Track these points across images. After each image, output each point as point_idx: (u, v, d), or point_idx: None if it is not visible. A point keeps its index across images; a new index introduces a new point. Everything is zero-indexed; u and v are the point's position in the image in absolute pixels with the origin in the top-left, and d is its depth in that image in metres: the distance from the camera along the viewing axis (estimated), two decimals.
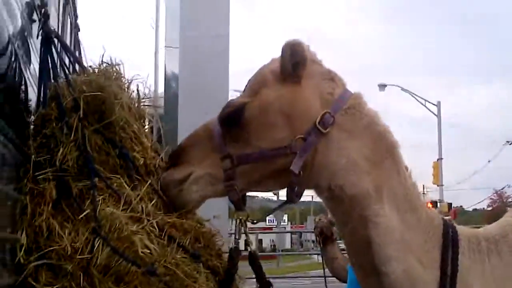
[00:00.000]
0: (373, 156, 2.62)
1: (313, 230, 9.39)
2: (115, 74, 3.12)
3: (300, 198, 2.74)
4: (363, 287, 2.81)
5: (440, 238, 2.71)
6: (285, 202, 2.81)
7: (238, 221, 2.72)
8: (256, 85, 2.73)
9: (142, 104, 3.29)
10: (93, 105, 2.92)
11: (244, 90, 2.79)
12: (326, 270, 10.26)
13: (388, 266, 2.58)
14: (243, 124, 2.62)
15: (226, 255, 2.88)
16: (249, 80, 2.78)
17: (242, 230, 2.76)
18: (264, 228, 53.50)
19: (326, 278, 10.47)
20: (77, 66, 3.49)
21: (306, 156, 2.56)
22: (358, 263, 2.74)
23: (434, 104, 37.65)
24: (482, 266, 2.72)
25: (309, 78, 2.67)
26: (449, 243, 2.69)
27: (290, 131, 2.59)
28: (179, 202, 2.75)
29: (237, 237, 2.72)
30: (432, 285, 2.63)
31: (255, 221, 2.84)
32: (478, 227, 3.20)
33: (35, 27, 3.40)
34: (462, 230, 2.81)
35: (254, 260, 2.77)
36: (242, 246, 2.83)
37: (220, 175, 2.65)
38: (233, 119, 2.65)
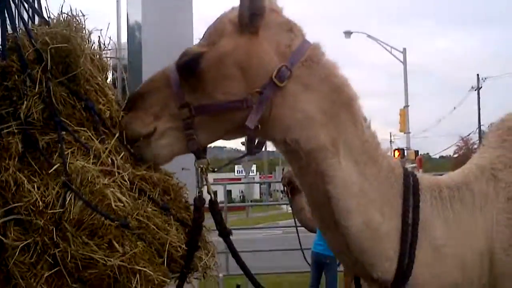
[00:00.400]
0: (329, 109, 2.60)
1: (281, 180, 9.48)
2: (77, 25, 3.02)
3: (260, 150, 2.74)
4: (326, 240, 2.83)
5: (401, 187, 2.72)
6: (244, 155, 2.81)
7: (199, 170, 2.69)
8: (214, 34, 2.67)
9: (104, 55, 3.20)
10: (57, 57, 2.84)
11: (203, 37, 2.73)
12: (288, 220, 10.42)
13: (347, 220, 2.59)
14: (199, 74, 2.57)
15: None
16: (208, 27, 2.72)
17: (204, 180, 2.73)
18: (233, 179, 53.82)
19: (297, 228, 10.65)
20: (36, 17, 3.37)
21: (262, 110, 2.53)
22: (318, 217, 2.76)
23: (400, 51, 37.82)
24: (445, 214, 2.75)
25: (267, 28, 2.62)
26: (410, 192, 2.70)
27: (246, 84, 2.55)
28: (149, 156, 2.70)
29: (199, 186, 2.70)
30: (393, 234, 2.66)
31: (215, 169, 2.81)
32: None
33: None
34: (424, 178, 2.82)
35: (214, 209, 2.75)
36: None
37: (180, 125, 2.62)
38: (190, 68, 2.59)
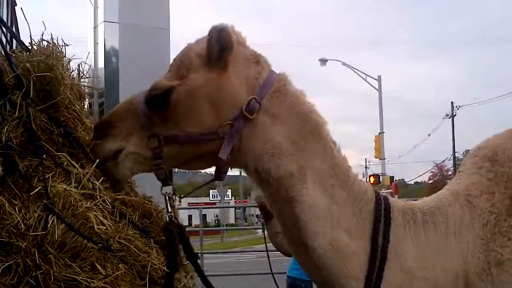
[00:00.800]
0: (296, 138, 2.64)
1: (256, 204, 9.49)
2: (58, 53, 3.08)
3: (226, 175, 2.78)
4: (299, 263, 2.87)
5: (372, 210, 2.76)
6: (212, 180, 2.83)
7: (166, 197, 2.73)
8: (182, 67, 2.70)
9: (82, 83, 3.27)
10: (39, 84, 2.89)
11: (169, 69, 2.76)
12: (270, 244, 10.43)
13: (314, 241, 2.63)
14: (170, 107, 2.58)
15: None
16: (175, 59, 2.75)
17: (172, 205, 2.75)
18: (208, 203, 53.54)
19: (271, 252, 10.66)
20: (15, 43, 3.42)
21: (233, 141, 2.59)
22: (289, 239, 2.80)
23: (375, 79, 38.15)
24: (417, 237, 2.79)
25: (235, 62, 2.64)
26: (381, 214, 2.75)
27: (217, 117, 2.57)
28: (116, 175, 2.67)
29: (169, 211, 2.74)
30: (362, 255, 2.70)
31: (182, 196, 2.84)
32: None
33: None
34: (397, 202, 2.87)
35: (181, 233, 2.79)
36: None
37: (148, 155, 2.61)
38: (160, 102, 2.61)
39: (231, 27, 2.70)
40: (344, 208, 2.71)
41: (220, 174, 2.70)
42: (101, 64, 6.74)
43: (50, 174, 2.72)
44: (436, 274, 2.78)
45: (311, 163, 2.66)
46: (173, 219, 2.68)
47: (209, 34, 2.62)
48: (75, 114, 2.96)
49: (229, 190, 66.15)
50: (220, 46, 2.58)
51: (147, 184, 3.15)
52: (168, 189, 2.69)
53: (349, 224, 2.71)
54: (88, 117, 3.04)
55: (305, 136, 2.68)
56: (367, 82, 37.61)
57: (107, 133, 2.66)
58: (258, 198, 9.01)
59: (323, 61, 38.27)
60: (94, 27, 6.91)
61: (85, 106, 3.16)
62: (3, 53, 3.16)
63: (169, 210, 2.68)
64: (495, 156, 2.97)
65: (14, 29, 4.76)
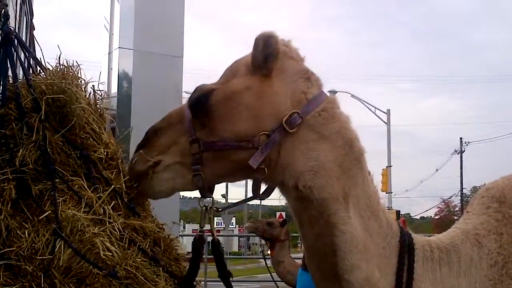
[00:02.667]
0: (342, 162, 2.62)
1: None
2: (73, 75, 3.12)
3: (268, 196, 2.72)
4: None
5: (397, 245, 2.75)
6: (250, 198, 2.78)
7: (203, 208, 2.69)
8: (228, 74, 2.70)
9: (99, 104, 3.30)
10: (54, 107, 2.93)
11: (219, 78, 2.76)
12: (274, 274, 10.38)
13: (351, 275, 2.60)
14: (208, 110, 2.58)
15: (183, 261, 2.91)
16: (226, 68, 2.77)
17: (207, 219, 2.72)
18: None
19: (271, 282, 10.60)
20: (34, 65, 3.46)
21: (267, 152, 2.52)
22: (317, 267, 2.75)
23: (384, 112, 38.23)
24: (434, 275, 2.79)
25: (282, 73, 2.64)
26: (406, 251, 2.74)
27: (254, 125, 2.56)
28: (149, 191, 2.70)
29: (202, 225, 2.69)
30: None
31: (219, 209, 2.79)
32: (427, 236, 3.27)
33: None
34: (417, 238, 2.87)
35: (217, 248, 2.76)
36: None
37: (189, 162, 2.60)
38: (200, 104, 2.59)
39: (287, 41, 2.71)
40: (376, 241, 2.69)
41: (256, 191, 2.67)
42: (114, 89, 6.80)
43: (62, 198, 2.74)
44: None
45: (354, 191, 2.64)
46: (211, 234, 2.66)
47: (255, 40, 2.62)
48: (93, 133, 2.98)
49: (234, 218, 65.88)
50: (265, 53, 2.59)
51: (158, 212, 3.17)
52: (208, 201, 2.67)
53: (380, 258, 2.70)
54: (106, 134, 3.06)
55: (350, 162, 2.65)
56: (376, 115, 37.70)
57: (150, 143, 2.68)
58: (248, 228, 9.02)
59: (333, 93, 38.28)
60: (108, 53, 6.98)
61: (104, 124, 3.18)
62: (21, 76, 3.22)
63: (202, 224, 2.66)
64: (503, 197, 2.98)
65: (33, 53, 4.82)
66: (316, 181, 2.56)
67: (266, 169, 2.55)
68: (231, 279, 2.87)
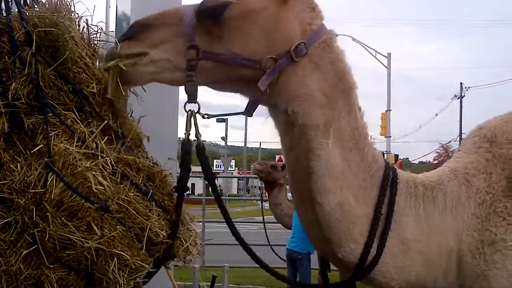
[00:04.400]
0: (330, 92, 2.68)
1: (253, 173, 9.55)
2: (66, 9, 3.06)
3: (254, 111, 2.78)
4: (299, 213, 2.91)
5: (380, 178, 2.81)
6: (241, 113, 2.84)
7: (189, 113, 2.69)
8: None
9: (93, 38, 3.26)
10: (47, 40, 2.88)
11: None
12: (267, 216, 10.50)
13: (323, 197, 2.67)
14: (221, 22, 2.57)
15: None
16: None
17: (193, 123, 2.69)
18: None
19: (273, 223, 10.71)
20: None
21: (273, 77, 2.58)
22: (297, 190, 2.83)
23: (384, 56, 37.99)
24: (417, 211, 2.84)
25: (295, 1, 2.67)
26: (387, 183, 2.80)
27: (264, 46, 2.59)
28: (128, 77, 2.60)
29: (188, 129, 2.70)
30: (364, 220, 2.75)
31: (205, 116, 2.77)
32: None
33: None
34: (403, 174, 2.92)
35: (201, 153, 2.76)
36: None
37: (181, 64, 2.59)
38: (213, 14, 2.57)
39: None
40: (355, 172, 2.76)
41: (251, 107, 2.72)
42: (112, 28, 6.72)
43: (55, 132, 2.73)
44: (430, 248, 2.83)
45: (337, 121, 2.70)
46: (197, 138, 2.68)
47: None
48: (85, 68, 2.94)
49: (233, 161, 66.31)
50: None
51: (153, 152, 3.16)
52: (193, 106, 2.68)
53: (358, 189, 2.76)
54: (99, 70, 3.02)
55: (337, 94, 2.73)
56: (377, 59, 37.43)
57: (139, 36, 2.60)
58: (254, 170, 9.08)
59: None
60: None
61: (97, 60, 3.14)
62: (14, 10, 3.16)
63: (188, 128, 2.66)
64: (494, 137, 3.01)
65: None
66: (302, 108, 2.66)
67: (268, 91, 2.60)
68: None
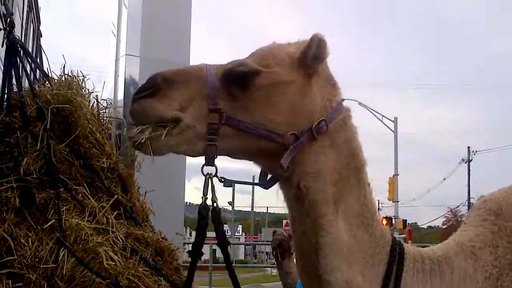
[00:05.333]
0: (343, 170, 2.67)
1: (266, 242, 9.50)
2: (78, 85, 3.14)
3: (272, 186, 2.72)
4: (304, 285, 2.87)
5: (387, 254, 2.78)
6: (259, 184, 2.78)
7: (207, 176, 2.62)
8: (270, 59, 2.65)
9: (103, 113, 3.33)
10: (59, 116, 2.95)
11: (251, 56, 2.70)
12: (275, 283, 10.39)
13: (331, 275, 2.64)
14: (249, 89, 2.50)
15: (184, 271, 2.91)
16: (261, 49, 2.72)
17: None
18: None
19: None
20: (40, 74, 3.49)
21: (294, 153, 2.60)
22: (303, 267, 2.79)
23: (391, 120, 38.16)
24: (424, 285, 2.81)
25: (318, 76, 2.65)
26: (394, 260, 2.77)
27: (288, 119, 2.55)
28: (157, 147, 2.40)
29: (205, 193, 2.62)
30: None
31: (223, 180, 2.72)
32: (432, 245, 3.29)
33: (0, 36, 3.40)
34: (409, 248, 2.89)
35: (217, 218, 2.72)
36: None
37: (203, 131, 2.45)
38: (242, 80, 2.49)
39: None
40: (364, 248, 2.73)
41: (270, 182, 2.67)
42: (120, 96, 6.82)
43: (66, 207, 2.76)
44: None
45: (346, 198, 2.68)
46: (213, 202, 2.63)
47: (311, 39, 2.63)
48: (96, 143, 3.00)
49: (240, 226, 65.89)
50: (316, 53, 2.58)
51: (160, 223, 3.18)
52: (211, 169, 2.61)
53: (365, 265, 2.73)
54: (109, 144, 3.07)
55: (349, 171, 2.70)
56: (383, 123, 37.51)
57: (163, 92, 2.42)
58: (278, 236, 8.99)
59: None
60: (115, 60, 7.00)
61: (107, 133, 3.19)
62: (27, 85, 3.25)
63: (205, 191, 2.60)
64: (499, 210, 3.00)
65: (39, 60, 4.87)
66: (315, 183, 2.62)
67: (289, 165, 2.58)
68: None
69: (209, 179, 2.56)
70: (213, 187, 2.59)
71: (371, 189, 2.81)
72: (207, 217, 2.58)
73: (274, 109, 2.56)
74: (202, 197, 2.58)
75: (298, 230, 2.72)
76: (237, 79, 2.49)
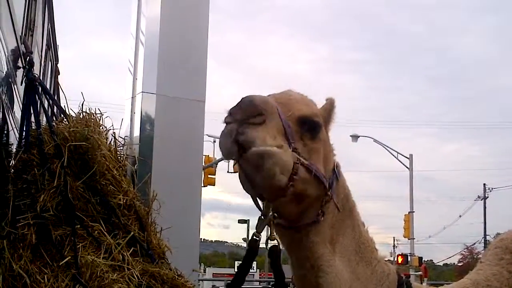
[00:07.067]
0: (338, 214, 2.73)
1: None
2: (95, 122, 3.18)
3: None
4: None
5: None
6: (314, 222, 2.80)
7: (261, 217, 2.56)
8: (319, 115, 2.80)
9: (119, 150, 3.35)
10: (76, 153, 2.98)
11: (294, 103, 2.71)
12: None
13: None
14: (315, 139, 2.61)
15: None
16: (304, 99, 2.73)
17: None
18: (233, 275, 52.76)
19: None
20: (57, 111, 3.53)
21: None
22: None
23: (406, 157, 38.02)
24: None
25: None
26: None
27: (324, 168, 2.65)
28: (270, 164, 2.34)
29: (259, 230, 2.55)
30: None
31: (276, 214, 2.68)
32: (448, 283, 3.28)
33: (19, 73, 3.45)
34: (419, 286, 2.89)
35: (276, 255, 2.70)
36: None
37: (290, 167, 2.42)
38: (314, 129, 2.60)
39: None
40: (365, 285, 2.74)
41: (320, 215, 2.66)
42: (136, 133, 6.86)
43: (82, 244, 2.77)
44: None
45: (342, 238, 2.73)
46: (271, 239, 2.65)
47: (333, 103, 2.81)
48: (113, 180, 3.02)
49: (255, 263, 65.39)
50: (333, 115, 2.77)
51: (176, 260, 3.18)
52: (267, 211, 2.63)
53: None
54: (126, 181, 3.09)
55: (344, 214, 2.77)
56: (399, 160, 37.40)
57: (259, 121, 2.36)
58: None
59: (355, 137, 38.27)
60: (131, 97, 7.06)
61: (123, 170, 3.22)
62: (44, 123, 3.28)
63: (260, 230, 2.60)
64: None
65: (57, 97, 4.93)
66: (317, 226, 2.65)
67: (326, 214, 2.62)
68: None
69: (271, 222, 2.57)
70: (271, 224, 2.58)
71: (366, 229, 2.89)
72: (256, 252, 2.63)
73: (320, 158, 2.61)
74: (253, 234, 2.57)
75: (298, 274, 2.75)
76: (312, 128, 2.57)
